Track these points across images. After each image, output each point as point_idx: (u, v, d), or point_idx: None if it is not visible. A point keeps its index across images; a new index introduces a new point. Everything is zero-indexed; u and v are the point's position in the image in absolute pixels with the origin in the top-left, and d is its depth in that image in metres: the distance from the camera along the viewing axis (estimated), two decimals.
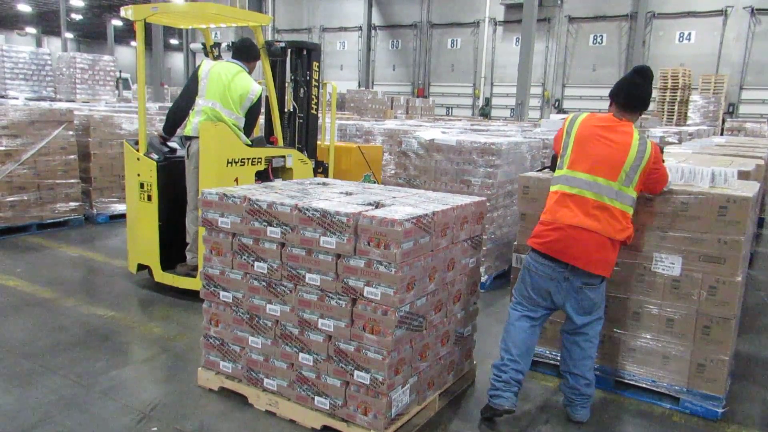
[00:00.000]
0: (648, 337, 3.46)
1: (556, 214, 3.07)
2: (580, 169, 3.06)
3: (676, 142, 10.88)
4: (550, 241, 3.06)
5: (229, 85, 4.71)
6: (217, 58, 5.35)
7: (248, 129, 4.96)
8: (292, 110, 5.91)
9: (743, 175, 4.03)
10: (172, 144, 5.02)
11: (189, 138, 4.74)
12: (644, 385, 3.51)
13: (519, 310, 3.25)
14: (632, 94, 3.14)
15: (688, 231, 3.27)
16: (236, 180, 4.57)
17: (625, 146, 3.03)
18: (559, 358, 3.76)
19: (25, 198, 6.75)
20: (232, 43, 5.09)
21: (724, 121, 19.88)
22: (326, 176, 6.31)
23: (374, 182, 6.83)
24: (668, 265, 3.34)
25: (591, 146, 3.06)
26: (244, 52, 4.97)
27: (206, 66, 4.80)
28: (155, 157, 4.86)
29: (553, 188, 3.16)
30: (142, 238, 5.02)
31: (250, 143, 4.82)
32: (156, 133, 5.06)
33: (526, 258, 3.23)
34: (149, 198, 4.88)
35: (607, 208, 3.01)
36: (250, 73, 4.96)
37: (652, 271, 3.39)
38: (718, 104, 20.21)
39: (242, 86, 4.78)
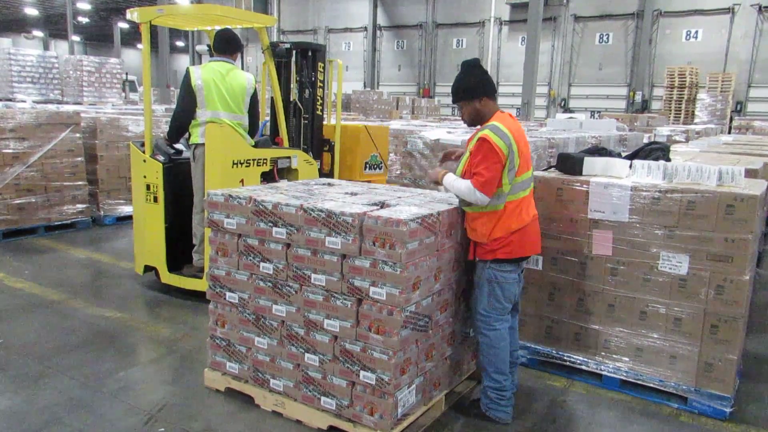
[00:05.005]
0: (655, 336, 3.44)
1: (520, 220, 3.10)
2: (525, 171, 3.14)
3: (684, 140, 10.83)
4: (520, 247, 3.12)
5: (227, 88, 4.66)
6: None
7: (254, 124, 4.94)
8: (296, 111, 5.91)
9: (751, 174, 4.01)
10: (178, 146, 5.03)
11: (195, 143, 4.73)
12: (652, 385, 3.49)
13: (501, 326, 3.18)
14: (489, 81, 3.22)
15: (695, 229, 3.25)
16: (242, 181, 4.57)
17: (523, 132, 3.21)
18: (565, 357, 3.76)
19: (33, 200, 6.79)
20: (219, 39, 4.84)
21: (731, 120, 19.77)
22: (332, 154, 6.27)
23: (381, 162, 6.76)
24: (675, 264, 3.32)
25: (524, 148, 3.14)
26: (228, 45, 4.80)
27: (196, 74, 4.61)
28: (161, 158, 4.87)
29: (510, 200, 3.08)
30: (149, 239, 5.03)
31: (254, 144, 4.83)
32: (162, 135, 5.07)
33: (488, 273, 3.12)
34: (155, 200, 4.89)
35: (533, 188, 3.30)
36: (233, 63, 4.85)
37: (659, 270, 3.37)
38: (725, 102, 20.09)
39: (239, 84, 4.74)
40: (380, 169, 6.78)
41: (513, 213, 3.08)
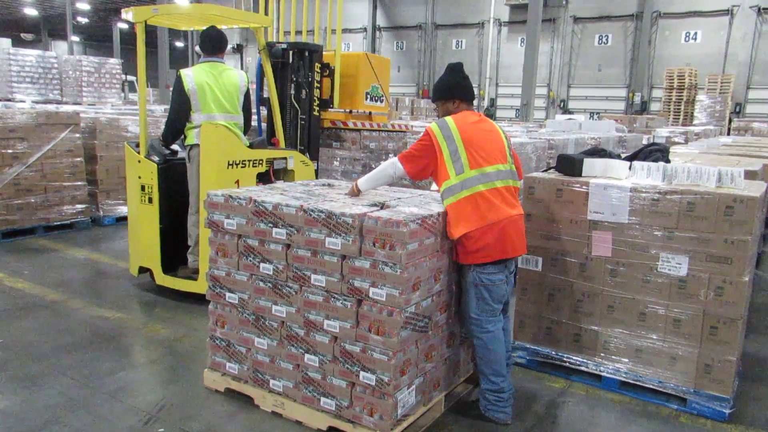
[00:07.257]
0: (654, 337, 3.44)
1: (486, 217, 3.03)
2: (483, 164, 3.09)
3: (683, 142, 10.85)
4: (498, 250, 3.06)
5: (222, 89, 4.66)
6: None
7: (247, 122, 4.97)
8: (293, 112, 5.90)
9: (750, 175, 4.02)
10: (174, 146, 5.00)
11: (190, 144, 4.72)
12: (651, 386, 3.49)
13: (494, 327, 3.16)
14: (465, 86, 3.32)
15: (695, 231, 3.25)
16: (237, 182, 4.56)
17: (497, 132, 3.27)
18: (564, 358, 3.76)
19: (32, 200, 6.78)
20: (207, 40, 4.80)
21: (730, 121, 19.82)
22: (332, 80, 6.18)
23: (382, 95, 6.66)
24: (675, 265, 3.33)
25: (480, 142, 3.13)
26: (216, 45, 4.76)
27: (188, 78, 4.57)
28: (156, 159, 4.83)
29: (464, 194, 3.03)
30: (144, 240, 5.00)
31: (250, 144, 4.81)
32: (158, 136, 5.05)
33: (473, 277, 3.10)
34: (150, 200, 4.86)
35: (513, 189, 3.22)
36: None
37: (659, 271, 3.37)
38: (724, 104, 20.14)
39: (233, 84, 4.75)
40: (381, 101, 6.65)
41: (475, 207, 3.02)
